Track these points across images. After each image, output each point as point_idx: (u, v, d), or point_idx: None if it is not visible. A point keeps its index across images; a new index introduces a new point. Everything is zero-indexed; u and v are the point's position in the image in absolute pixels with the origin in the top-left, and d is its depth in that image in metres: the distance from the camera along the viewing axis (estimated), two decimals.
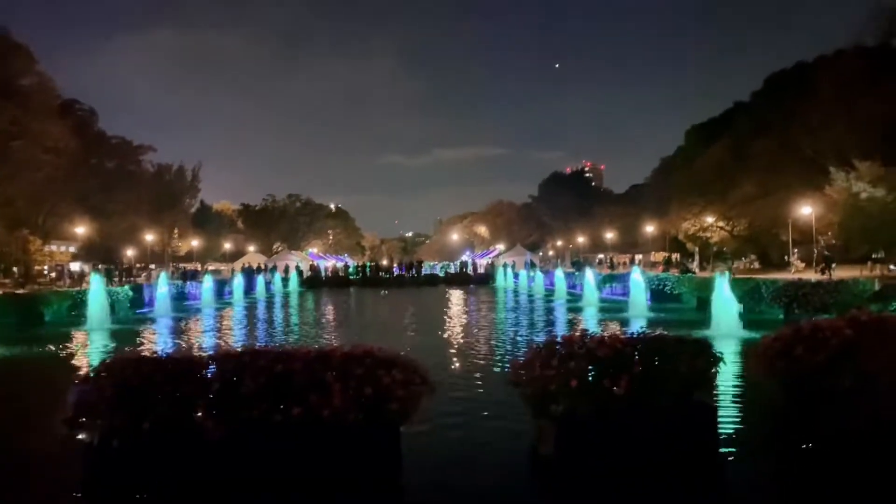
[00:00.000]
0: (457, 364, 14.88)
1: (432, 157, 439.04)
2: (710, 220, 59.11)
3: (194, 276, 54.76)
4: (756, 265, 57.36)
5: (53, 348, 18.83)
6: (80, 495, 6.52)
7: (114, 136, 68.06)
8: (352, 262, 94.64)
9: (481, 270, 74.01)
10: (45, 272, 54.01)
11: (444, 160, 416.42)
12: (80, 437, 6.44)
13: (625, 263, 69.76)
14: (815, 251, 45.70)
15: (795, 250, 49.04)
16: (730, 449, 7.60)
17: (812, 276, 33.41)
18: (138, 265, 67.98)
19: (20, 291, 33.73)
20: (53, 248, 58.52)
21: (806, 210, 44.70)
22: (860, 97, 39.83)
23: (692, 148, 65.95)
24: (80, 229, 55.21)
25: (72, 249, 62.99)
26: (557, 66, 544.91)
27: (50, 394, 11.71)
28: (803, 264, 45.96)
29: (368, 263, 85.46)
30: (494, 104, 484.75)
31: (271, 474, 6.28)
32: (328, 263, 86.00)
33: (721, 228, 59.58)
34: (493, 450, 7.97)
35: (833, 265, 36.22)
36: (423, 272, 73.43)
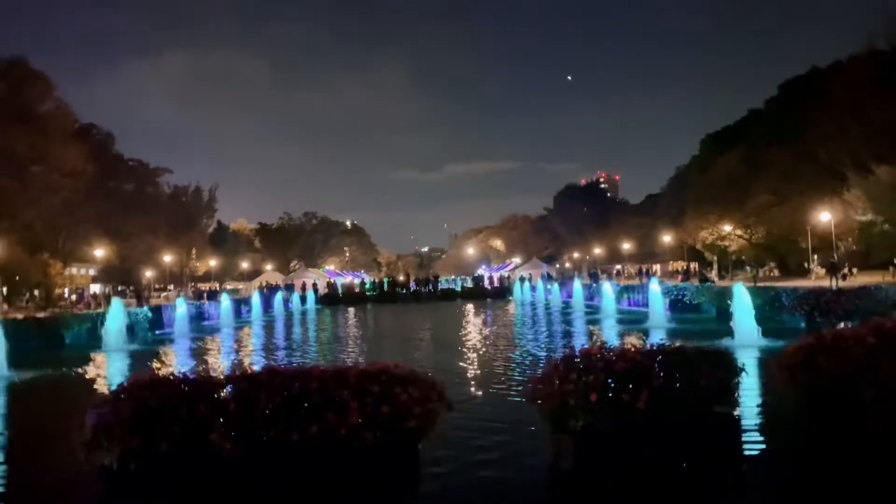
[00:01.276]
0: (474, 380, 14.80)
1: (445, 172, 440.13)
2: (727, 228, 58.70)
3: (213, 296, 55.02)
4: (775, 273, 56.81)
5: (73, 370, 18.94)
6: None
7: (131, 158, 68.82)
8: (368, 279, 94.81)
9: (497, 284, 73.83)
10: (66, 295, 54.47)
11: (457, 175, 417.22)
12: (99, 459, 6.43)
13: (630, 274, 69.21)
14: (835, 257, 45.23)
15: (815, 257, 48.55)
16: (753, 461, 7.47)
17: (832, 282, 33.01)
18: (157, 286, 68.45)
19: (41, 315, 34.02)
20: (73, 270, 59.10)
21: (825, 216, 44.28)
22: (874, 102, 39.50)
23: (707, 156, 65.62)
24: (99, 252, 55.72)
25: (91, 272, 63.59)
26: (570, 77, 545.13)
27: (69, 416, 11.76)
28: (824, 271, 45.45)
29: (385, 279, 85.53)
30: (506, 118, 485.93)
31: (289, 494, 6.24)
32: (345, 280, 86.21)
33: (739, 237, 59.14)
34: (513, 465, 7.87)
35: (841, 273, 35.80)
36: (440, 287, 73.32)
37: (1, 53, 47.77)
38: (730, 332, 19.48)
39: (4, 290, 48.91)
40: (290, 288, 66.21)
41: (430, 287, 71.71)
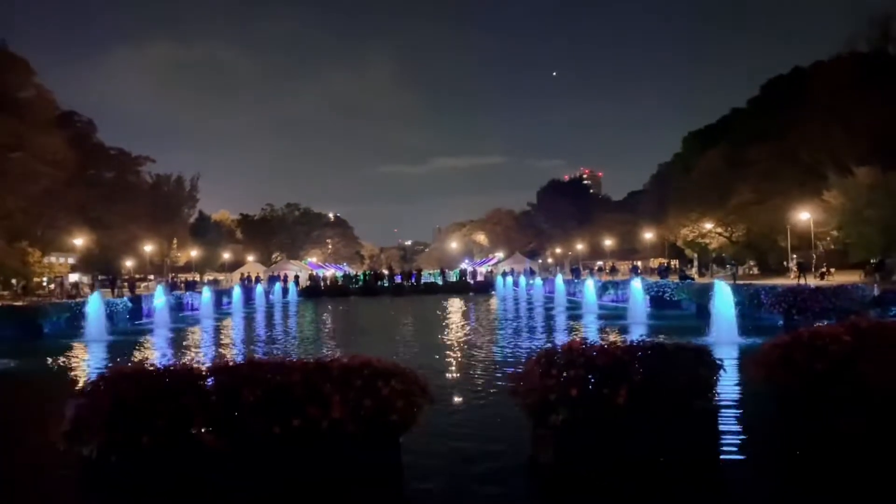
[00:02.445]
0: (456, 373, 14.86)
1: (430, 166, 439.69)
2: (708, 226, 59.16)
3: (190, 286, 54.70)
4: (755, 271, 57.36)
5: (52, 360, 18.78)
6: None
7: (112, 147, 68.14)
8: (351, 271, 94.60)
9: (480, 278, 73.95)
10: (45, 284, 53.92)
11: (442, 169, 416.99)
12: (78, 450, 6.41)
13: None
14: (814, 256, 45.75)
15: (794, 256, 49.07)
16: (730, 456, 7.58)
17: (812, 281, 33.39)
18: (137, 276, 67.92)
19: (19, 303, 33.66)
20: (52, 259, 58.48)
21: (804, 216, 44.75)
22: (856, 103, 39.95)
23: (690, 155, 66.09)
24: (79, 241, 55.18)
25: (71, 261, 62.97)
26: (555, 74, 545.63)
27: (47, 406, 11.68)
28: (796, 270, 45.97)
29: (367, 272, 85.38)
30: (492, 113, 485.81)
31: (271, 486, 6.25)
32: (327, 273, 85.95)
33: (720, 234, 59.62)
34: (493, 458, 7.92)
35: (819, 272, 36.35)
36: (423, 280, 73.35)
37: None
38: (708, 329, 19.69)
39: None
40: (272, 280, 65.95)
41: (413, 280, 71.70)
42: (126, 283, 48.32)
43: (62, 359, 19.23)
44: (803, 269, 37.01)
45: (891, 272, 33.99)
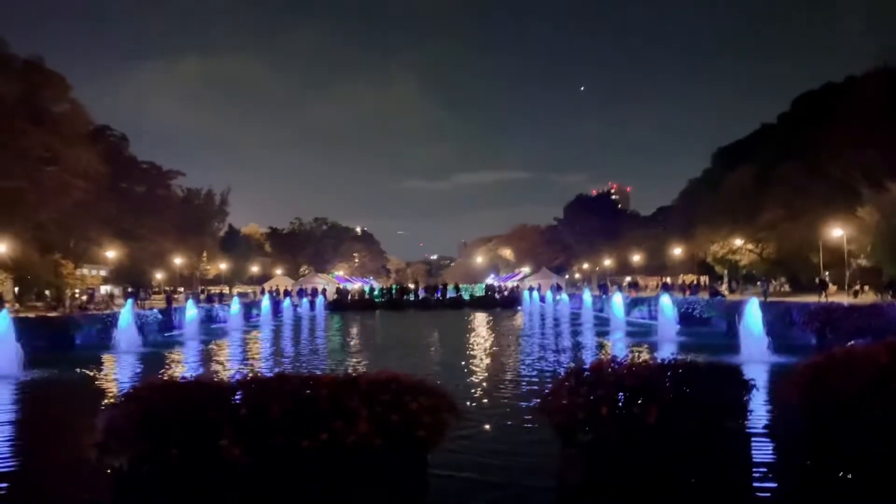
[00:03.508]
0: (483, 390, 14.79)
1: (453, 182, 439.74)
2: (738, 242, 58.51)
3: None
4: (786, 288, 56.57)
5: (83, 371, 19.04)
6: None
7: (144, 161, 69.25)
8: (377, 285, 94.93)
9: (506, 293, 73.74)
10: (77, 295, 54.82)
11: (465, 184, 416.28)
12: (110, 461, 6.47)
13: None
14: (847, 274, 44.98)
15: (826, 273, 48.31)
16: (762, 481, 7.44)
17: (844, 298, 32.85)
18: (168, 288, 68.73)
19: (51, 314, 34.22)
20: (84, 271, 59.43)
21: (837, 232, 44.07)
22: (889, 118, 39.36)
23: (719, 170, 65.49)
24: (111, 253, 56.03)
25: (103, 273, 63.92)
26: (583, 88, 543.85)
27: (80, 416, 11.83)
28: (835, 287, 45.23)
29: (394, 286, 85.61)
30: (516, 128, 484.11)
31: (295, 498, 6.25)
32: (354, 286, 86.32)
33: (750, 251, 58.92)
34: (521, 476, 7.87)
35: (853, 290, 35.75)
36: (448, 295, 73.35)
37: (17, 53, 48.14)
38: (739, 348, 19.42)
39: (16, 289, 49.25)
40: (301, 293, 66.39)
41: (439, 295, 71.70)
42: (156, 294, 48.94)
43: (94, 370, 19.49)
44: (823, 286, 36.53)
45: None
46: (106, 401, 12.06)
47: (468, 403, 11.79)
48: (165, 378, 7.32)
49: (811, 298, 34.79)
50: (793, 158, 49.19)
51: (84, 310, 40.81)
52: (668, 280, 68.09)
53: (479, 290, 76.85)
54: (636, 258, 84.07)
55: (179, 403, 6.45)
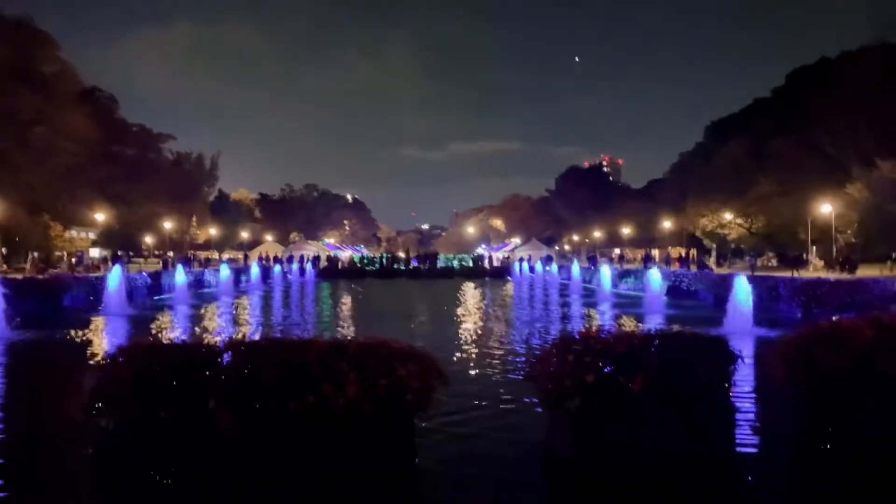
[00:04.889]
0: (471, 356, 14.88)
1: (448, 151, 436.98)
2: (728, 216, 58.70)
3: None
4: (774, 262, 56.95)
5: (72, 333, 19.02)
6: (94, 478, 6.59)
7: (134, 124, 68.57)
8: (367, 253, 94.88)
9: (497, 264, 73.89)
10: (65, 258, 54.59)
11: (460, 154, 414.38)
12: (97, 421, 6.49)
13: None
14: (835, 249, 45.29)
15: (814, 248, 48.61)
16: (747, 449, 7.55)
17: (833, 275, 33.10)
18: (157, 252, 68.51)
19: (40, 276, 34.07)
20: (73, 233, 59.13)
21: (826, 208, 44.27)
22: (883, 95, 39.34)
23: (712, 144, 65.54)
24: (100, 216, 55.72)
25: (92, 236, 63.62)
26: (577, 59, 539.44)
27: (68, 377, 11.85)
28: (822, 262, 45.55)
29: (384, 255, 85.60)
30: (511, 98, 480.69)
31: (284, 464, 6.30)
32: (344, 254, 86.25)
33: (739, 225, 59.18)
34: (507, 443, 7.96)
35: (838, 264, 36.07)
36: (439, 265, 73.41)
37: (6, 13, 47.35)
38: (725, 320, 19.59)
39: (4, 250, 48.96)
40: (290, 260, 66.29)
41: (429, 264, 71.82)
42: (144, 258, 48.77)
43: (81, 332, 19.46)
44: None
45: None
46: (93, 363, 12.07)
47: (455, 369, 11.86)
48: (154, 340, 7.31)
49: (805, 274, 35.04)
50: (785, 133, 49.22)
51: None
52: (653, 252, 68.25)
53: (468, 260, 76.88)
54: (626, 230, 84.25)
55: (169, 365, 6.46)
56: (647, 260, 56.49)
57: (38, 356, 16.04)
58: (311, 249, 77.89)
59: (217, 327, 21.90)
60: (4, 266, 43.46)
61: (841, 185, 42.71)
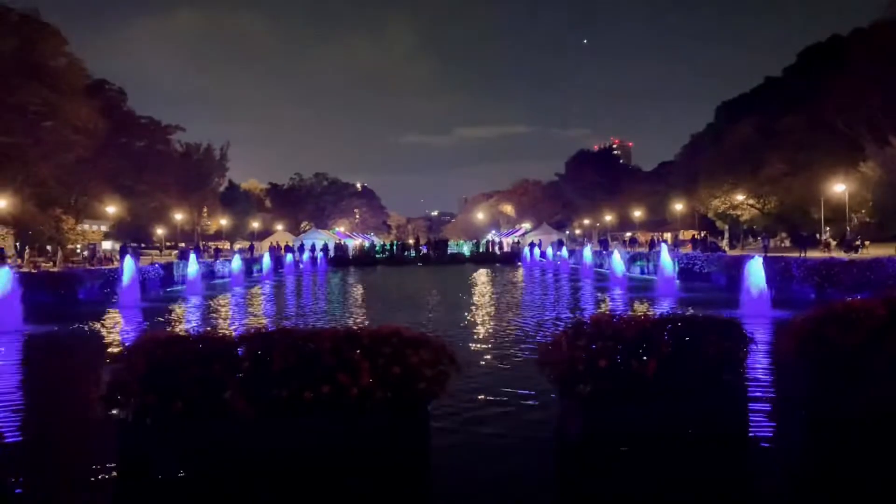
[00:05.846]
0: (484, 343, 14.91)
1: (455, 136, 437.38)
2: (740, 197, 58.35)
3: (217, 254, 55.47)
4: (787, 243, 56.66)
5: (87, 325, 19.19)
6: (116, 470, 6.67)
7: (142, 116, 68.77)
8: (378, 241, 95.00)
9: (507, 249, 73.85)
10: (78, 250, 54.94)
11: (467, 139, 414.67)
12: (114, 413, 6.56)
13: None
14: (849, 229, 44.99)
15: (828, 228, 48.28)
16: (759, 431, 7.55)
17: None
18: (168, 243, 68.85)
19: (54, 269, 34.35)
20: (85, 226, 59.52)
21: (839, 188, 43.92)
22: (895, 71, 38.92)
23: (723, 125, 65.06)
24: (111, 208, 56.01)
25: (104, 228, 64.02)
26: (586, 41, 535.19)
27: (84, 369, 11.96)
28: (835, 242, 45.27)
29: (394, 242, 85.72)
30: (518, 82, 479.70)
31: (298, 454, 6.35)
32: (355, 242, 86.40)
33: (751, 206, 58.83)
34: (519, 429, 7.98)
35: (853, 245, 35.84)
36: (449, 251, 73.47)
37: (13, 6, 47.40)
38: (738, 302, 19.49)
39: (17, 244, 49.36)
40: (302, 249, 66.53)
41: (439, 250, 71.90)
42: (155, 251, 49.03)
43: (98, 324, 19.63)
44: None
45: None
46: (111, 353, 12.17)
47: (468, 356, 11.89)
48: (169, 332, 7.38)
49: (812, 254, 34.84)
50: (797, 112, 48.79)
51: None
52: (668, 237, 68.00)
53: (477, 246, 76.91)
54: (637, 213, 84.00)
55: (184, 357, 6.51)
56: (654, 245, 56.28)
57: (54, 349, 16.16)
58: (321, 238, 78.08)
59: (231, 318, 22.03)
60: (19, 260, 43.80)
61: (854, 163, 42.37)
